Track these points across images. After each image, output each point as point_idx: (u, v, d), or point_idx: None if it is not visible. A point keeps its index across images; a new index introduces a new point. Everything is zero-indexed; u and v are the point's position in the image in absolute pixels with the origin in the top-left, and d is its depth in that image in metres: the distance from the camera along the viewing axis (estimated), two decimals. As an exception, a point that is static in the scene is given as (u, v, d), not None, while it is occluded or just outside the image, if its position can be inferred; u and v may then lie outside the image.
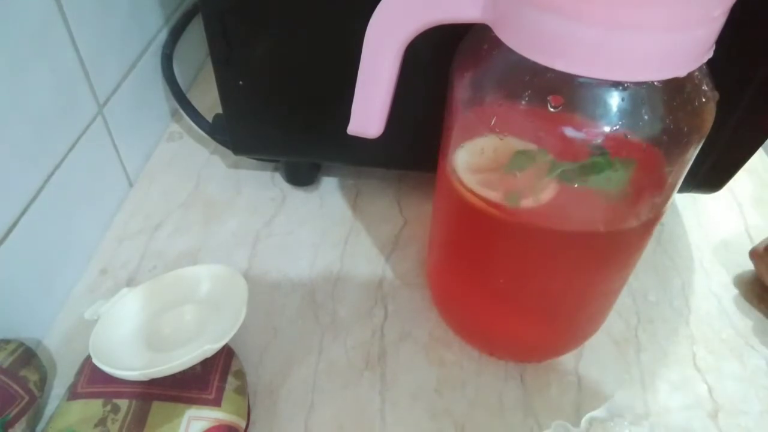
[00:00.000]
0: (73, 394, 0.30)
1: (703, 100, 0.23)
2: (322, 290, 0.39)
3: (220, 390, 0.30)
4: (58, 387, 0.33)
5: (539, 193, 0.25)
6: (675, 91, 0.22)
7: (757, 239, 0.44)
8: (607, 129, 0.22)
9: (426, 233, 0.37)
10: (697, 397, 0.34)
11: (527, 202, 0.25)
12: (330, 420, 0.32)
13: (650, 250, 0.42)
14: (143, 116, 0.47)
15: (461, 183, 0.27)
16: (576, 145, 0.23)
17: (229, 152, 0.44)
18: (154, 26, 0.48)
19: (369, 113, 0.27)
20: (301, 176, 0.46)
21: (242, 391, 0.31)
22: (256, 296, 0.38)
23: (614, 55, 0.20)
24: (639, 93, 0.22)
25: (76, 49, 0.37)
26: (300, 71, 0.36)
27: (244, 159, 0.47)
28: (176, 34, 0.50)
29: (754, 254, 0.40)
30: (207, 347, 0.28)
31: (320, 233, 0.43)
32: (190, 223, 0.43)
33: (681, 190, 0.39)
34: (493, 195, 0.26)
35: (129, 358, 0.30)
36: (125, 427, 0.28)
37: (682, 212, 0.46)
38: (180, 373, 0.29)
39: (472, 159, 0.27)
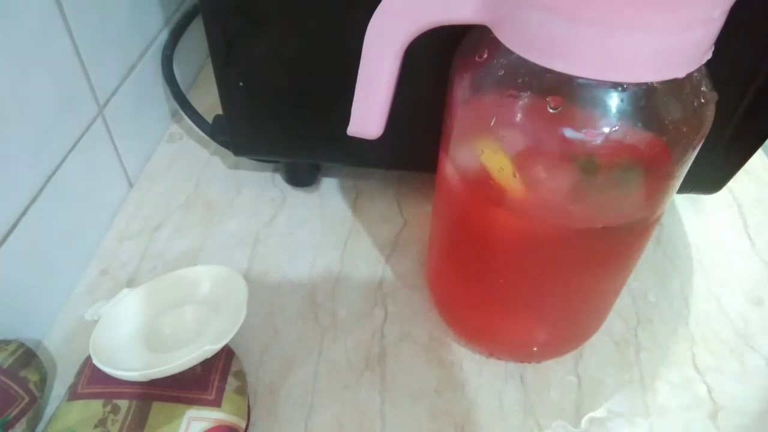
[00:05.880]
0: (73, 394, 0.30)
1: (702, 100, 0.23)
2: (322, 291, 0.39)
3: (221, 390, 0.30)
4: (59, 387, 0.33)
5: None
6: (674, 91, 0.22)
7: (757, 239, 0.44)
8: (606, 130, 0.22)
9: (426, 234, 0.37)
10: (696, 397, 0.34)
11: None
12: (330, 420, 0.32)
13: (650, 250, 0.42)
14: (143, 117, 0.47)
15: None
16: (575, 146, 0.23)
17: (229, 153, 0.44)
18: (155, 27, 0.48)
19: (369, 114, 0.27)
20: (301, 177, 0.46)
21: (242, 391, 0.31)
22: (256, 297, 0.38)
23: (613, 56, 0.20)
24: (638, 94, 0.22)
25: (76, 50, 0.37)
26: (300, 72, 0.36)
27: (244, 160, 0.47)
28: (176, 35, 0.50)
29: None
30: (207, 348, 0.28)
31: (320, 234, 0.43)
32: (190, 223, 0.43)
33: (681, 191, 0.39)
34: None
35: (129, 359, 0.30)
36: (125, 428, 0.28)
37: (681, 212, 0.46)
38: (180, 373, 0.29)
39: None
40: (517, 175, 0.25)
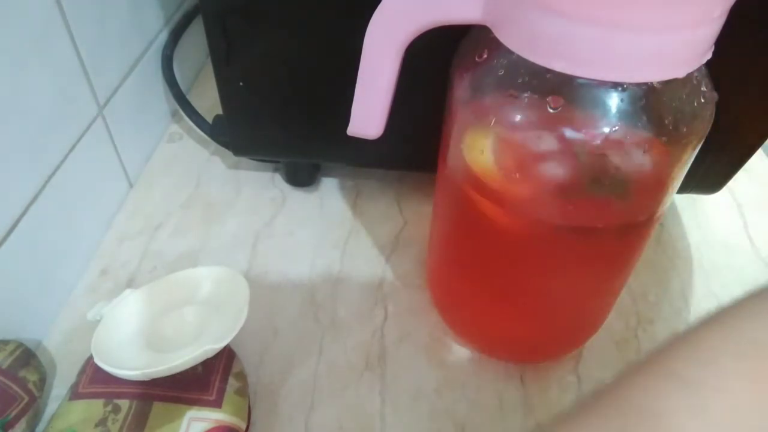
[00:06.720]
0: (74, 394, 0.30)
1: (702, 100, 0.23)
2: (322, 291, 0.39)
3: (221, 391, 0.30)
4: (58, 387, 0.33)
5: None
6: (674, 91, 0.22)
7: (757, 239, 0.44)
8: (606, 130, 0.22)
9: (426, 234, 0.37)
10: (696, 397, 0.34)
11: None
12: (330, 421, 0.32)
13: (650, 250, 0.42)
14: (143, 117, 0.47)
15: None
16: (575, 146, 0.23)
17: (229, 153, 0.44)
18: (155, 27, 0.48)
19: (369, 114, 0.27)
20: (301, 177, 0.46)
21: (243, 392, 0.31)
22: (256, 297, 0.37)
23: (613, 56, 0.20)
24: (638, 94, 0.22)
25: (76, 50, 0.37)
26: (300, 72, 0.36)
27: (244, 160, 0.47)
28: (177, 35, 0.50)
29: None
30: (208, 347, 0.28)
31: (320, 234, 0.43)
32: (190, 223, 0.43)
33: (680, 191, 0.39)
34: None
35: (131, 359, 0.30)
36: (126, 428, 0.28)
37: (681, 213, 0.46)
38: (181, 374, 0.29)
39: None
40: (518, 175, 0.25)
